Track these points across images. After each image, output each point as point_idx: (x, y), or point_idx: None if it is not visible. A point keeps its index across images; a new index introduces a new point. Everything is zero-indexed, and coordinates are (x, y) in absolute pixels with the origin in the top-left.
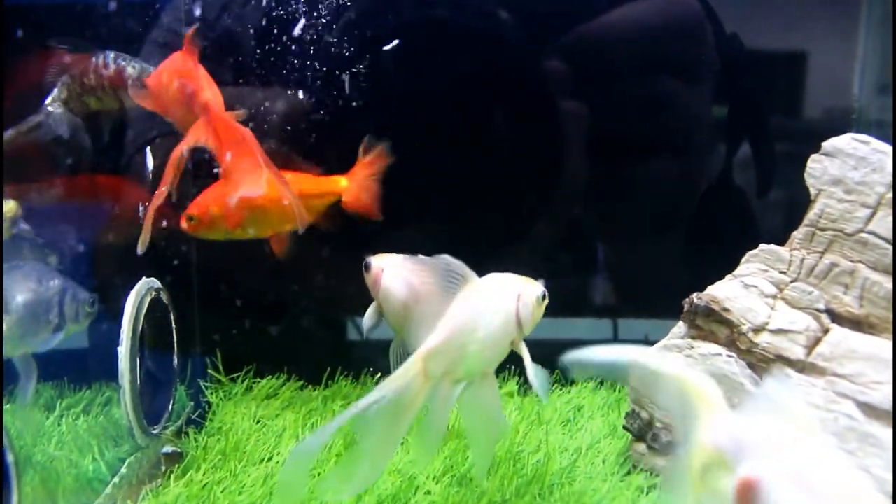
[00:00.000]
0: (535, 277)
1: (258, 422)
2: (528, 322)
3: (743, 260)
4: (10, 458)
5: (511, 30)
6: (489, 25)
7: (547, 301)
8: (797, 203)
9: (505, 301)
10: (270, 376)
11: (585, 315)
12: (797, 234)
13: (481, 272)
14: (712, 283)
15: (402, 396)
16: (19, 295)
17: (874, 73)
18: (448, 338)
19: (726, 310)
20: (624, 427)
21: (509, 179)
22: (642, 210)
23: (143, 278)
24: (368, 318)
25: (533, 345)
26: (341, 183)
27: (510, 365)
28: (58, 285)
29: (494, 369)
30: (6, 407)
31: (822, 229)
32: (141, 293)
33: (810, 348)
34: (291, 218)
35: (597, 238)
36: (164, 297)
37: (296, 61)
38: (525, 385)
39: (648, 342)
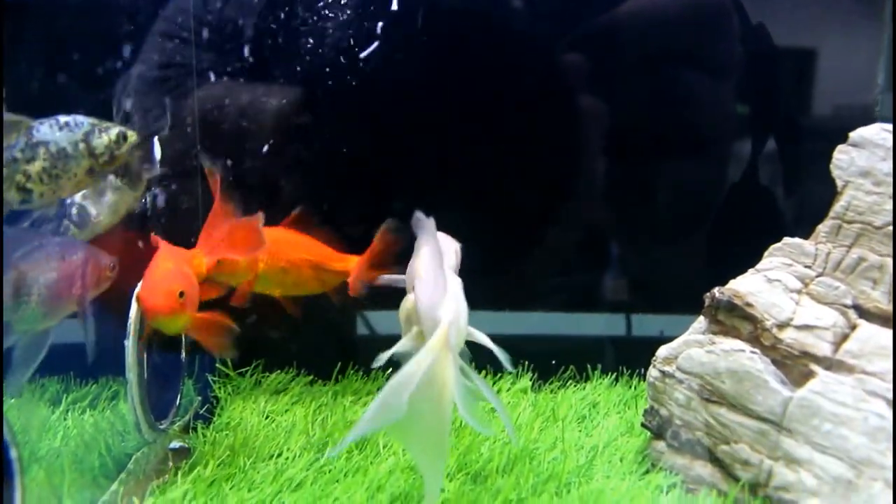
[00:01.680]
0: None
1: (267, 417)
2: None
3: (766, 254)
4: (13, 453)
5: (528, 22)
6: (506, 17)
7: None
8: (819, 199)
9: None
10: (279, 371)
11: (601, 311)
12: (822, 228)
13: (497, 268)
14: (730, 278)
15: (437, 373)
16: (42, 276)
17: None
18: (455, 308)
19: (749, 304)
20: (642, 424)
21: (527, 175)
22: (659, 205)
23: None
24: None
25: (549, 339)
26: (350, 264)
27: (523, 360)
28: (81, 257)
29: None
30: (11, 402)
31: (850, 222)
32: None
33: (838, 345)
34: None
35: (614, 233)
36: None
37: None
38: (539, 381)
39: (664, 338)
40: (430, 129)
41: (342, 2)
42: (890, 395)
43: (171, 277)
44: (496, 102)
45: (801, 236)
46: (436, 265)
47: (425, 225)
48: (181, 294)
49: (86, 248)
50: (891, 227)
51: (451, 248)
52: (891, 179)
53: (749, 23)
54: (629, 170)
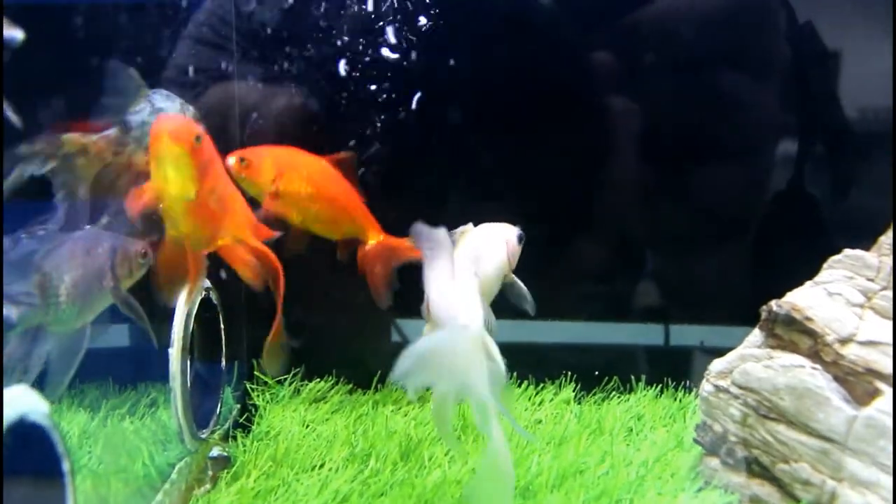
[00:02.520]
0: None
1: (307, 426)
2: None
3: (825, 266)
4: (66, 466)
5: (559, 20)
6: (535, 15)
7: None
8: (868, 205)
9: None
10: (318, 379)
11: (638, 320)
12: (885, 240)
13: (530, 272)
14: (773, 287)
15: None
16: (67, 275)
17: None
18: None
19: (809, 319)
20: (694, 440)
21: (566, 183)
22: (699, 212)
23: None
24: None
25: (585, 349)
26: (372, 237)
27: (566, 371)
28: (107, 249)
29: None
30: (53, 407)
31: None
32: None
33: None
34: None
35: (652, 241)
36: (213, 296)
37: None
38: (581, 392)
39: (704, 349)
40: (458, 131)
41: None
42: None
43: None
44: (531, 107)
45: (847, 244)
46: (446, 284)
47: (430, 237)
48: (198, 138)
49: (113, 239)
50: None
51: (492, 245)
52: None
53: (796, 21)
54: (671, 176)
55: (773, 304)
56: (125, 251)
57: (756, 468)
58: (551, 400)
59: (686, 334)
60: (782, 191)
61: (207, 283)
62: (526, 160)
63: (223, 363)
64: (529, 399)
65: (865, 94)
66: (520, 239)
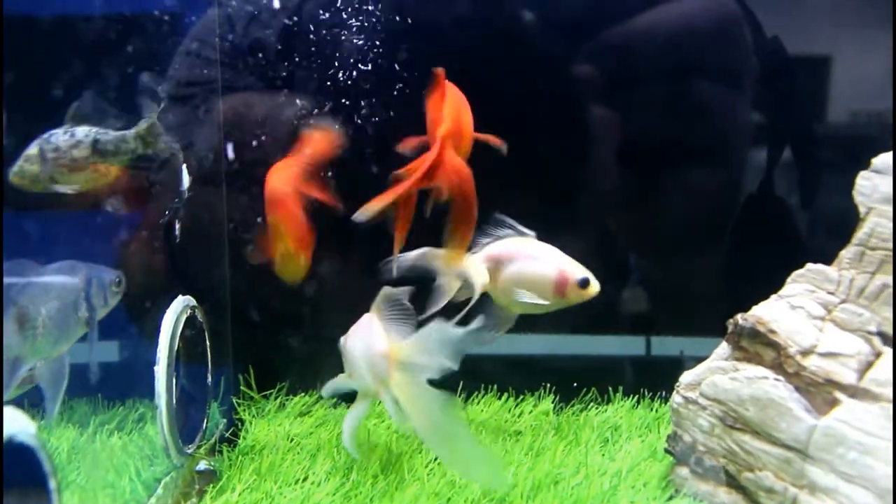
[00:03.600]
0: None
1: (292, 440)
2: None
3: (789, 280)
4: (52, 484)
5: (543, 32)
6: (520, 28)
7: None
8: (838, 210)
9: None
10: (303, 393)
11: (618, 332)
12: (846, 254)
13: None
14: (750, 298)
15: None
16: (43, 307)
17: None
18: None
19: (773, 331)
20: (665, 450)
21: (539, 187)
22: (677, 222)
23: (179, 296)
24: None
25: (568, 360)
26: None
27: (545, 383)
28: (81, 279)
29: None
30: (40, 424)
31: (873, 249)
32: (177, 311)
33: (862, 372)
34: None
35: (630, 251)
36: (198, 314)
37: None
38: (560, 403)
39: (684, 358)
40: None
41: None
42: None
43: None
44: (507, 115)
45: (819, 249)
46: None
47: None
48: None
49: (87, 269)
50: None
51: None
52: None
53: (763, 35)
54: (651, 187)
55: (739, 317)
56: (100, 280)
57: (723, 477)
58: (531, 412)
59: (665, 345)
60: (762, 201)
61: (193, 302)
62: (503, 169)
63: (209, 379)
64: (509, 411)
65: (843, 100)
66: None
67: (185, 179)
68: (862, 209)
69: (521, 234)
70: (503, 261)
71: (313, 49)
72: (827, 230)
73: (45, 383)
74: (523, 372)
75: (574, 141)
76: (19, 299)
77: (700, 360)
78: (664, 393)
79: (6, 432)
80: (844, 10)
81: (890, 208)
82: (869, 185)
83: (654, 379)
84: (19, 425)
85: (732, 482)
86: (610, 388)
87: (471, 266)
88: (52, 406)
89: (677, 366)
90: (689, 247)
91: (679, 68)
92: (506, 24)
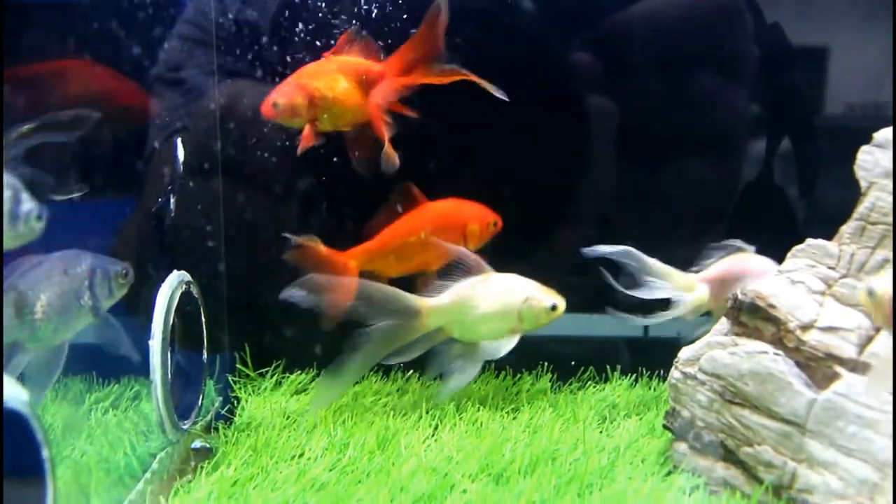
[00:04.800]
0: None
1: (288, 417)
2: (528, 320)
3: (789, 255)
4: (45, 453)
5: (541, 21)
6: (517, 17)
7: (557, 312)
8: (835, 198)
9: (510, 296)
10: (299, 371)
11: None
12: (846, 229)
13: (508, 269)
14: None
15: (398, 330)
16: (43, 294)
17: None
18: (450, 302)
19: (772, 306)
20: (664, 426)
21: (539, 175)
22: (676, 207)
23: (174, 271)
24: None
25: (565, 341)
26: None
27: (543, 362)
28: (85, 269)
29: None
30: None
31: (874, 223)
32: (172, 286)
33: (862, 347)
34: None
35: (628, 235)
36: (194, 290)
37: None
38: (558, 382)
39: (681, 339)
40: (439, 129)
41: None
42: None
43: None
44: (505, 105)
45: (817, 236)
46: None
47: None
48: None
49: (93, 258)
50: None
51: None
52: None
53: (764, 22)
54: (649, 169)
55: (738, 292)
56: (105, 271)
57: (722, 452)
58: (528, 390)
59: (663, 326)
60: (757, 184)
61: (188, 278)
62: (504, 150)
63: (205, 355)
64: (507, 389)
65: (832, 91)
66: (548, 309)
67: (180, 153)
68: (863, 183)
69: (740, 249)
70: (728, 280)
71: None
72: (825, 219)
73: (37, 370)
74: (520, 351)
75: (573, 129)
76: (18, 284)
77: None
78: (661, 372)
79: None
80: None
81: (890, 182)
82: (870, 160)
83: (652, 359)
84: (11, 392)
85: (731, 457)
86: (608, 368)
87: (697, 287)
88: (38, 393)
89: (675, 347)
90: (688, 233)
91: (679, 57)
92: (502, 13)
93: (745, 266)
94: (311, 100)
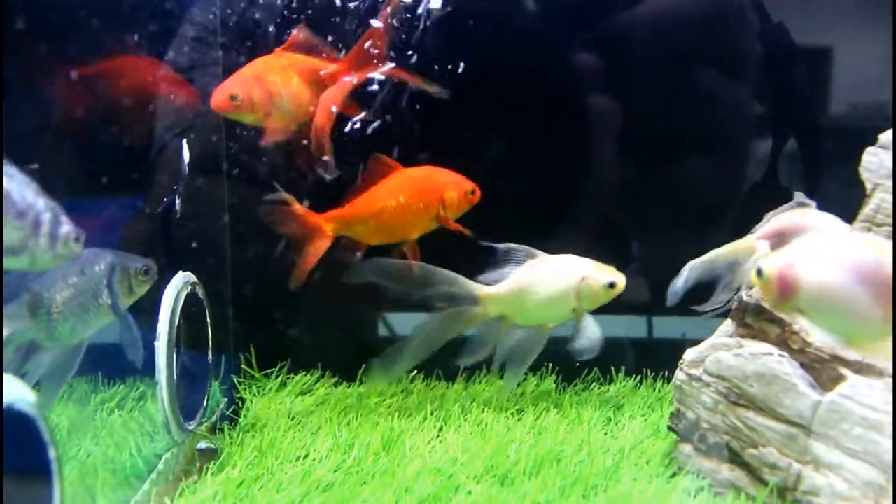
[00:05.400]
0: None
1: (293, 418)
2: (587, 299)
3: None
4: (52, 453)
5: (545, 21)
6: (521, 17)
7: (616, 290)
8: (840, 197)
9: (567, 277)
10: (304, 372)
11: (621, 312)
12: (852, 230)
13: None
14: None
15: (459, 317)
16: (59, 294)
17: None
18: (509, 291)
19: None
20: (669, 427)
21: (544, 174)
22: (681, 206)
23: (180, 272)
24: None
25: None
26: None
27: (547, 363)
28: (104, 267)
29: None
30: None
31: (879, 225)
32: (178, 287)
33: None
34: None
35: (634, 234)
36: (199, 291)
37: None
38: (563, 384)
39: (687, 340)
40: (445, 130)
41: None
42: None
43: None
44: (510, 104)
45: None
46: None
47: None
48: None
49: (113, 256)
50: None
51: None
52: None
53: (769, 22)
54: (654, 170)
55: (744, 293)
56: (125, 268)
57: (726, 453)
58: (532, 392)
59: (668, 327)
60: (770, 187)
61: (194, 279)
62: (509, 152)
63: (210, 356)
64: (511, 391)
65: (836, 90)
66: (606, 286)
67: (186, 155)
68: (868, 185)
69: (802, 204)
70: (787, 235)
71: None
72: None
73: (51, 368)
74: None
75: (575, 129)
76: (33, 287)
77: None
78: (666, 373)
79: (4, 400)
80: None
81: None
82: (875, 161)
83: (657, 360)
84: (18, 394)
85: (736, 459)
86: (612, 369)
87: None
88: (50, 394)
89: (679, 348)
90: (692, 232)
91: (683, 56)
92: (508, 14)
93: (802, 220)
94: (270, 95)
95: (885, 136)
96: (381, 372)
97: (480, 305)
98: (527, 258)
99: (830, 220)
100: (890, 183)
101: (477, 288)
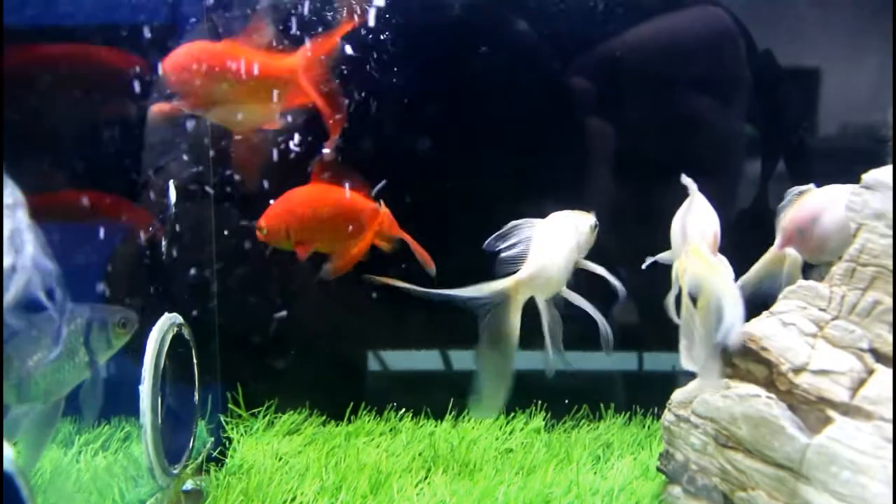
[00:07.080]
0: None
1: (280, 459)
2: (583, 248)
3: (780, 296)
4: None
5: (538, 46)
6: (515, 42)
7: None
8: None
9: (567, 238)
10: (292, 411)
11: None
12: (837, 270)
13: None
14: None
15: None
16: (30, 359)
17: None
18: (529, 275)
19: (764, 349)
20: (657, 468)
21: (532, 198)
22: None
23: (165, 314)
24: None
25: (560, 376)
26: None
27: (536, 400)
28: (80, 325)
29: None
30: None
31: (864, 265)
32: (163, 329)
33: (855, 390)
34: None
35: (622, 265)
36: (185, 332)
37: None
38: (552, 421)
39: (676, 374)
40: (434, 153)
41: None
42: None
43: None
44: (502, 128)
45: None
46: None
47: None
48: None
49: (87, 313)
50: None
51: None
52: None
53: (756, 48)
54: (643, 200)
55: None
56: (101, 324)
57: (716, 496)
58: (521, 429)
59: (657, 360)
60: (755, 214)
61: (180, 320)
62: (495, 181)
63: (196, 397)
64: (500, 428)
65: (825, 113)
66: (593, 227)
67: (172, 195)
68: (853, 225)
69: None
70: (804, 227)
71: None
72: None
73: (31, 430)
74: (514, 388)
75: (565, 154)
76: (6, 349)
77: (691, 375)
78: (655, 409)
79: None
80: (835, 21)
81: (880, 224)
82: (859, 202)
83: (646, 395)
84: None
85: (725, 501)
86: (601, 405)
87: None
88: (33, 455)
89: (670, 381)
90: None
91: (672, 82)
92: (499, 36)
93: (810, 206)
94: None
95: (869, 176)
96: (486, 406)
97: (511, 292)
98: (526, 228)
99: (837, 192)
100: (874, 223)
101: (502, 281)
